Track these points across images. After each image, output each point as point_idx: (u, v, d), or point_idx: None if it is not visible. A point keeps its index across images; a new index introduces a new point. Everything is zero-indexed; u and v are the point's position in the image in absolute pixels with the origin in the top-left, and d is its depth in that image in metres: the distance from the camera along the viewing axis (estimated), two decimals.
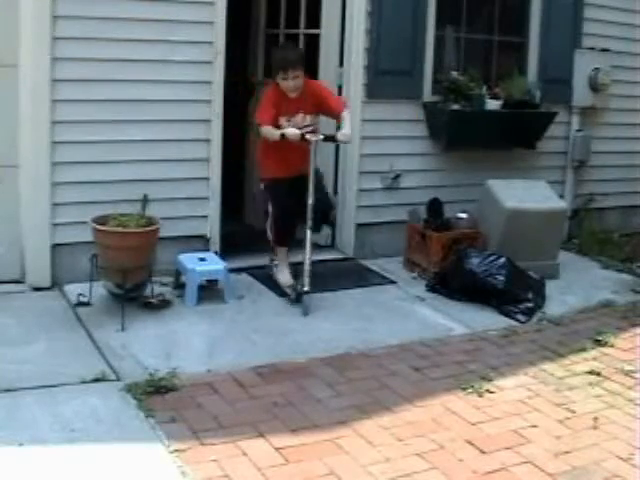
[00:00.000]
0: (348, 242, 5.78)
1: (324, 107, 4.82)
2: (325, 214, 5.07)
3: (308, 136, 4.67)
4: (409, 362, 4.15)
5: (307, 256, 4.66)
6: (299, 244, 4.74)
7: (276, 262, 5.04)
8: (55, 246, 4.79)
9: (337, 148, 5.62)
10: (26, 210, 4.74)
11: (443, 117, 5.85)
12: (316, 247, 5.48)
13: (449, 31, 6.17)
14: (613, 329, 4.76)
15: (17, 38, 4.59)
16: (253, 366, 3.94)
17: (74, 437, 3.16)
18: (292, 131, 4.63)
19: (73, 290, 4.65)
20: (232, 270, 5.03)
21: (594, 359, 4.32)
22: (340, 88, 5.66)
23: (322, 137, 4.72)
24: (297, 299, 4.71)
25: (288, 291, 4.85)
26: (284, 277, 4.95)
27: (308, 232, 4.67)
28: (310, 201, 4.64)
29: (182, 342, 4.20)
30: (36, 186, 4.70)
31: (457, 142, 5.97)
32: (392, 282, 5.40)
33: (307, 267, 4.64)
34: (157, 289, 4.69)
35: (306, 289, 4.63)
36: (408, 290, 5.26)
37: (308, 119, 4.81)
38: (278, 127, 4.69)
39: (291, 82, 4.68)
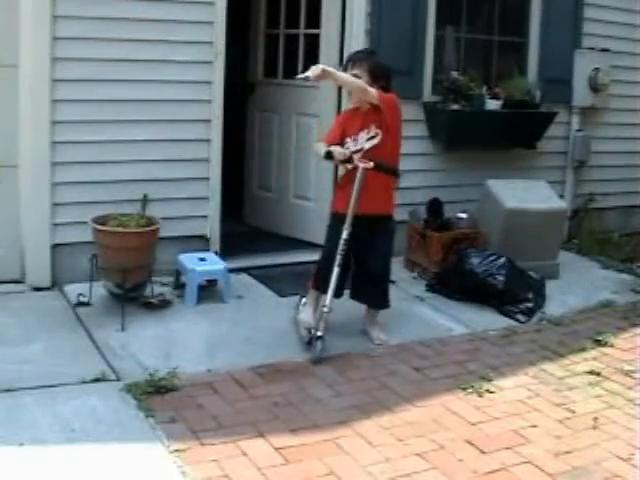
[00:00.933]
0: None
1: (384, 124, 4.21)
2: (380, 285, 4.44)
3: (356, 161, 4.15)
4: (409, 362, 4.15)
5: (328, 296, 4.11)
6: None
7: (304, 301, 4.46)
8: (55, 246, 4.79)
9: None
10: (26, 210, 4.74)
11: (443, 117, 5.85)
12: (312, 246, 5.50)
13: (449, 31, 6.17)
14: (613, 329, 4.76)
15: (17, 38, 4.59)
16: (253, 366, 3.94)
17: (74, 437, 3.16)
18: (340, 150, 4.15)
19: (73, 290, 4.65)
20: (232, 270, 5.03)
21: (594, 359, 4.33)
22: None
23: (372, 165, 4.11)
24: (310, 342, 4.14)
25: (304, 333, 4.26)
26: (305, 316, 4.32)
27: (336, 269, 4.10)
28: (344, 235, 4.10)
29: (182, 342, 4.21)
30: (36, 186, 4.70)
31: (457, 142, 5.98)
32: (392, 282, 5.38)
33: (325, 309, 4.08)
34: (157, 289, 4.69)
35: (319, 334, 4.04)
36: (408, 290, 5.26)
37: (373, 130, 4.20)
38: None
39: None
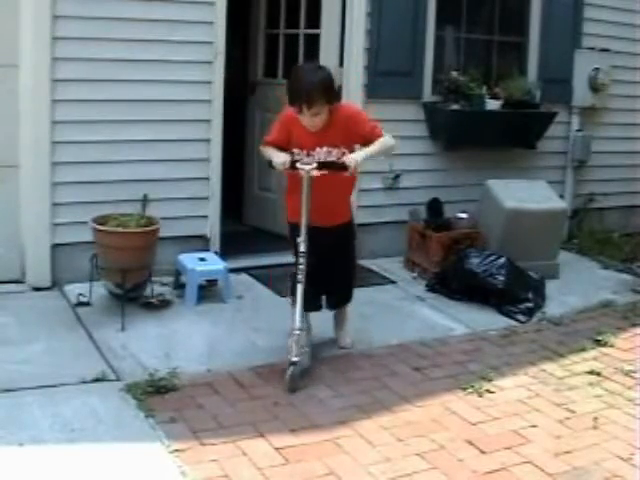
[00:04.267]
0: None
1: (356, 137, 3.86)
2: (347, 289, 4.26)
3: (299, 165, 3.78)
4: (409, 362, 4.15)
5: (297, 316, 3.79)
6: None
7: None
8: (55, 246, 4.79)
9: None
10: (26, 210, 4.74)
11: (443, 117, 5.86)
12: None
13: (449, 31, 6.17)
14: (613, 329, 4.76)
15: (17, 38, 4.59)
16: (253, 366, 3.94)
17: (74, 437, 3.16)
18: (279, 161, 3.80)
19: (73, 290, 4.66)
20: (232, 270, 5.03)
21: (594, 359, 4.33)
22: (340, 88, 5.66)
23: (315, 165, 3.76)
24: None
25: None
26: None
27: (299, 286, 3.80)
28: (302, 248, 3.80)
29: (182, 342, 4.20)
30: (36, 186, 4.70)
31: (457, 142, 5.98)
32: (392, 282, 5.41)
33: (296, 332, 3.76)
34: (157, 289, 4.69)
35: (294, 359, 3.72)
36: (408, 290, 5.26)
37: (335, 153, 3.83)
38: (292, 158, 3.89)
39: (307, 119, 3.78)
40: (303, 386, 3.74)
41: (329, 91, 3.78)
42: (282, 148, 3.90)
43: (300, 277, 3.81)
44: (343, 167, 3.75)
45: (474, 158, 6.07)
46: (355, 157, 3.74)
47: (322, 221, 3.90)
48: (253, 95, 6.42)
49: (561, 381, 4.03)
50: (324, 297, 4.22)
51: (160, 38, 4.90)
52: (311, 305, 4.03)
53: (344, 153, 3.82)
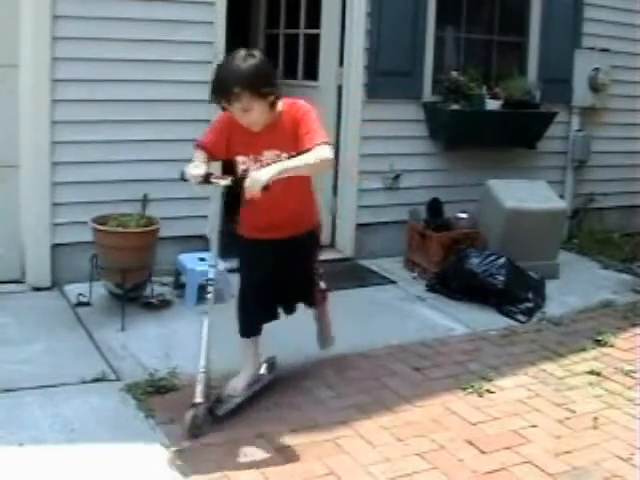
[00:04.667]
0: (348, 242, 5.77)
1: (298, 141, 3.20)
2: (307, 293, 3.73)
3: (213, 179, 3.25)
4: (409, 362, 4.15)
5: (202, 353, 3.28)
6: None
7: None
8: (55, 246, 4.79)
9: (337, 148, 5.51)
10: (26, 210, 4.74)
11: (443, 117, 5.85)
12: None
13: (449, 31, 6.17)
14: (613, 329, 4.76)
15: (17, 38, 4.59)
16: None
17: (74, 437, 3.16)
18: (193, 173, 3.23)
19: (73, 290, 4.66)
20: (232, 270, 5.02)
21: (594, 359, 4.32)
22: (340, 88, 5.67)
23: (230, 180, 3.24)
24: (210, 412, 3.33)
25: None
26: (235, 381, 3.52)
27: (205, 321, 3.31)
28: (210, 275, 3.41)
29: (182, 342, 4.20)
30: (36, 186, 4.70)
31: (457, 142, 5.98)
32: (392, 282, 5.40)
33: (201, 369, 3.26)
34: (157, 289, 4.69)
35: (196, 400, 3.22)
36: (408, 290, 5.26)
37: (284, 157, 3.21)
38: (231, 166, 3.42)
39: (238, 116, 3.22)
40: (207, 432, 3.25)
41: (256, 81, 3.12)
42: (215, 154, 3.38)
43: (207, 308, 3.35)
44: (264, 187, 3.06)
45: (474, 158, 6.07)
46: (257, 177, 3.04)
47: (274, 233, 3.44)
48: None
49: (561, 381, 4.03)
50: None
51: (160, 38, 4.90)
52: (264, 317, 3.58)
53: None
